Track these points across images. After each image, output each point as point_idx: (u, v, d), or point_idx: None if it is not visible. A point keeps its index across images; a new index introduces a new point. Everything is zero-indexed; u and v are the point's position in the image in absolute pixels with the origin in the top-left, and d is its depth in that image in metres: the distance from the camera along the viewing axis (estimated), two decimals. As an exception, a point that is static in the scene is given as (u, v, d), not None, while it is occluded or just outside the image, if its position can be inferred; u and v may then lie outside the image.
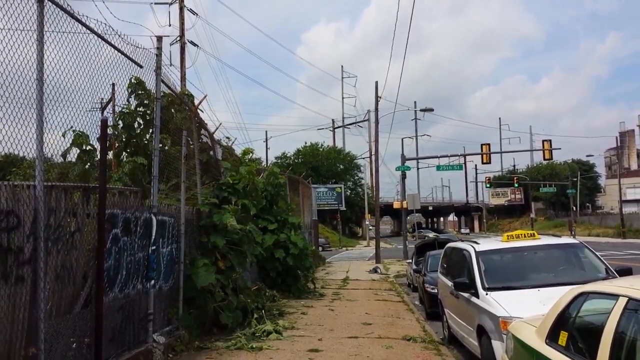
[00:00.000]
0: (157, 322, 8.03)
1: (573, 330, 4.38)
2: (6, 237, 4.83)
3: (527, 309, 6.32)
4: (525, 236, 8.89)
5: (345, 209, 70.17)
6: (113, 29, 6.62)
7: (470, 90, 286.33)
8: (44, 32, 5.30)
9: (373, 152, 44.22)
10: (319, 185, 63.68)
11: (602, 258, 8.30)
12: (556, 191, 79.67)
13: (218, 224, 9.95)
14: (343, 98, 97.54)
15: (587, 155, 77.06)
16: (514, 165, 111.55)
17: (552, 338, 4.56)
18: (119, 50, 6.87)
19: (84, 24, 6.01)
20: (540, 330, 4.84)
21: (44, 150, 5.31)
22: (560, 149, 55.37)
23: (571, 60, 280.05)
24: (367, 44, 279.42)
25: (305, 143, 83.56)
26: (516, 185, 79.31)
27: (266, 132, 76.70)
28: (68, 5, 5.67)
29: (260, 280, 14.90)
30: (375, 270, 26.33)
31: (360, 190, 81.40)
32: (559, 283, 7.10)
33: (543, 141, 38.57)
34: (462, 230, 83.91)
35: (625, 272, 7.35)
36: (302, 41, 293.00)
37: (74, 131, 7.20)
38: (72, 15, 5.78)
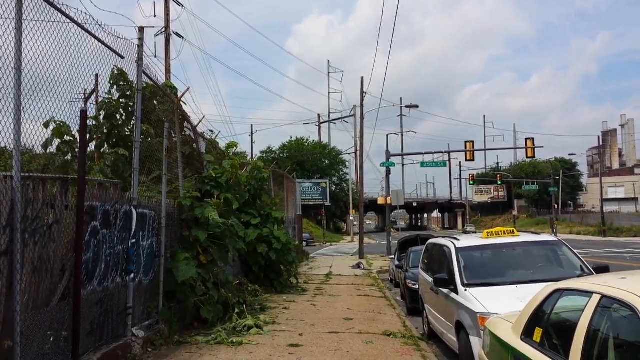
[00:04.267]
0: (136, 316, 7.99)
1: (548, 326, 4.43)
2: (-19, 229, 4.77)
3: (505, 306, 6.38)
4: (504, 233, 8.98)
5: (330, 204, 70.27)
6: (94, 19, 6.55)
7: (458, 88, 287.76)
8: (23, 21, 5.22)
9: (358, 148, 44.31)
10: (303, 180, 63.74)
11: (579, 256, 8.40)
12: (539, 189, 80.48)
13: (200, 218, 9.91)
14: (329, 93, 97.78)
15: (570, 154, 78.18)
16: (498, 163, 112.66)
17: (527, 334, 4.61)
18: (99, 40, 6.80)
19: (64, 13, 5.94)
20: (516, 327, 4.89)
21: (21, 141, 5.24)
22: (543, 147, 56.15)
23: (561, 59, 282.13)
24: (356, 39, 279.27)
25: (291, 138, 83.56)
26: (499, 182, 79.89)
27: (251, 125, 77.02)
28: (48, -7, 5.59)
29: (242, 275, 14.88)
30: (358, 266, 26.42)
31: (345, 185, 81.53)
32: (537, 280, 7.17)
33: (526, 139, 38.83)
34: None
35: (601, 269, 7.44)
36: (292, 34, 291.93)
37: (55, 122, 7.13)
38: (51, 4, 5.71)
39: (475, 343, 6.77)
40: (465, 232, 72.01)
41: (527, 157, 41.75)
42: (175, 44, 32.82)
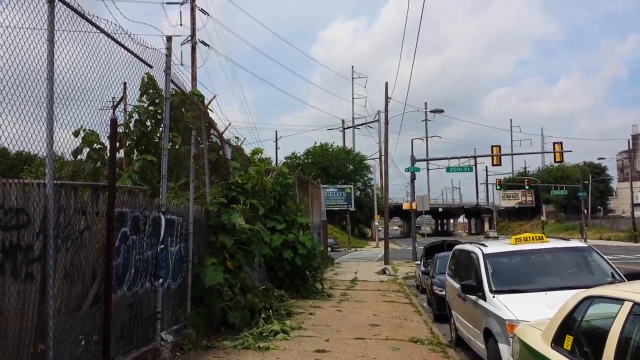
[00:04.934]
0: (165, 320, 8.08)
1: (578, 334, 4.37)
2: (16, 235, 4.88)
3: (534, 313, 6.31)
4: (533, 239, 8.86)
5: (354, 209, 70.10)
6: (123, 29, 6.68)
7: (484, 92, 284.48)
8: (55, 32, 5.35)
9: (383, 153, 44.22)
10: (328, 186, 63.69)
11: (610, 262, 8.26)
12: (567, 194, 79.16)
13: (226, 224, 9.99)
14: (353, 98, 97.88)
15: (599, 158, 76.71)
16: (525, 168, 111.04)
17: (557, 342, 4.55)
18: (128, 50, 6.93)
19: (94, 24, 6.07)
20: (545, 334, 4.83)
21: (54, 149, 5.37)
22: (571, 151, 55.18)
23: (589, 62, 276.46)
24: (381, 45, 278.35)
25: (315, 143, 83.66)
26: (527, 187, 78.92)
27: (276, 132, 76.87)
28: (78, 5, 5.72)
29: (268, 280, 14.94)
30: (383, 272, 26.29)
31: (369, 190, 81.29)
32: (566, 287, 7.06)
33: (554, 143, 38.35)
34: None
35: (633, 276, 7.30)
36: (317, 40, 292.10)
37: (84, 130, 7.29)
38: (82, 16, 5.84)
39: (504, 350, 6.70)
40: (487, 237, 71.62)
41: (555, 162, 41.28)
42: (201, 52, 33.24)
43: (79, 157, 7.85)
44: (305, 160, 77.38)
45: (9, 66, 4.80)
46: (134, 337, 7.16)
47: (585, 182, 75.38)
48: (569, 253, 8.76)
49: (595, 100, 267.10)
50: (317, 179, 34.11)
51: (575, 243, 9.41)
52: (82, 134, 7.33)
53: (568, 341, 4.40)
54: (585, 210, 72.86)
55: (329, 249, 40.39)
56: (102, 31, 6.27)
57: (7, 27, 4.82)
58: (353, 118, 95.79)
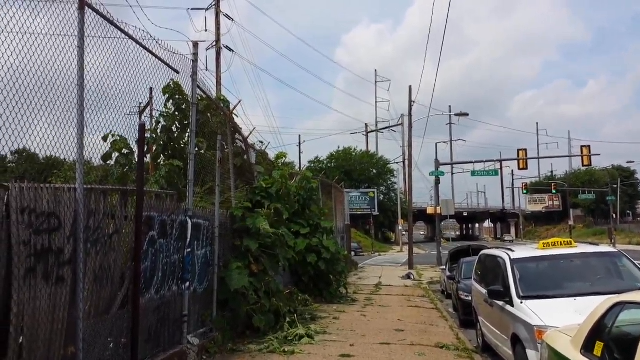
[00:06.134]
0: (191, 323, 8.15)
1: (609, 340, 4.30)
2: (47, 239, 4.97)
3: (563, 319, 6.22)
4: (561, 244, 8.74)
5: (378, 213, 69.81)
6: (151, 36, 6.79)
7: (510, 95, 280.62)
8: (85, 38, 5.45)
9: (406, 157, 44.08)
10: (351, 190, 63.54)
11: (641, 267, 8.10)
12: (596, 198, 77.79)
13: (251, 228, 10.05)
14: (376, 102, 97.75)
15: (628, 162, 75.14)
16: (552, 171, 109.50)
17: (587, 348, 4.49)
18: (156, 57, 7.03)
19: (123, 31, 6.17)
20: (575, 340, 4.76)
21: (84, 154, 5.46)
22: (599, 154, 53.89)
23: (618, 64, 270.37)
24: (405, 48, 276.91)
25: (339, 147, 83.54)
26: (554, 191, 77.73)
27: (299, 136, 77.61)
28: (108, 12, 5.83)
29: (292, 284, 14.96)
30: (408, 276, 26.14)
31: (393, 195, 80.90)
32: (596, 292, 6.95)
33: (582, 147, 37.60)
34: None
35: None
36: (341, 44, 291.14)
37: (113, 135, 7.40)
38: (111, 23, 5.95)
39: (533, 357, 6.63)
40: (502, 241, 72.80)
41: (583, 165, 40.57)
42: (225, 56, 33.53)
43: (107, 161, 7.97)
44: (329, 165, 77.33)
45: (40, 72, 4.92)
46: (161, 340, 7.24)
47: (614, 186, 74.03)
48: (598, 258, 8.62)
49: (624, 102, 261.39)
50: (341, 183, 34.04)
51: (604, 248, 9.27)
52: (111, 138, 7.44)
53: (598, 347, 4.33)
54: (614, 215, 71.51)
55: (353, 253, 40.29)
56: (131, 38, 6.38)
57: (39, 34, 4.94)
58: (376, 122, 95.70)
